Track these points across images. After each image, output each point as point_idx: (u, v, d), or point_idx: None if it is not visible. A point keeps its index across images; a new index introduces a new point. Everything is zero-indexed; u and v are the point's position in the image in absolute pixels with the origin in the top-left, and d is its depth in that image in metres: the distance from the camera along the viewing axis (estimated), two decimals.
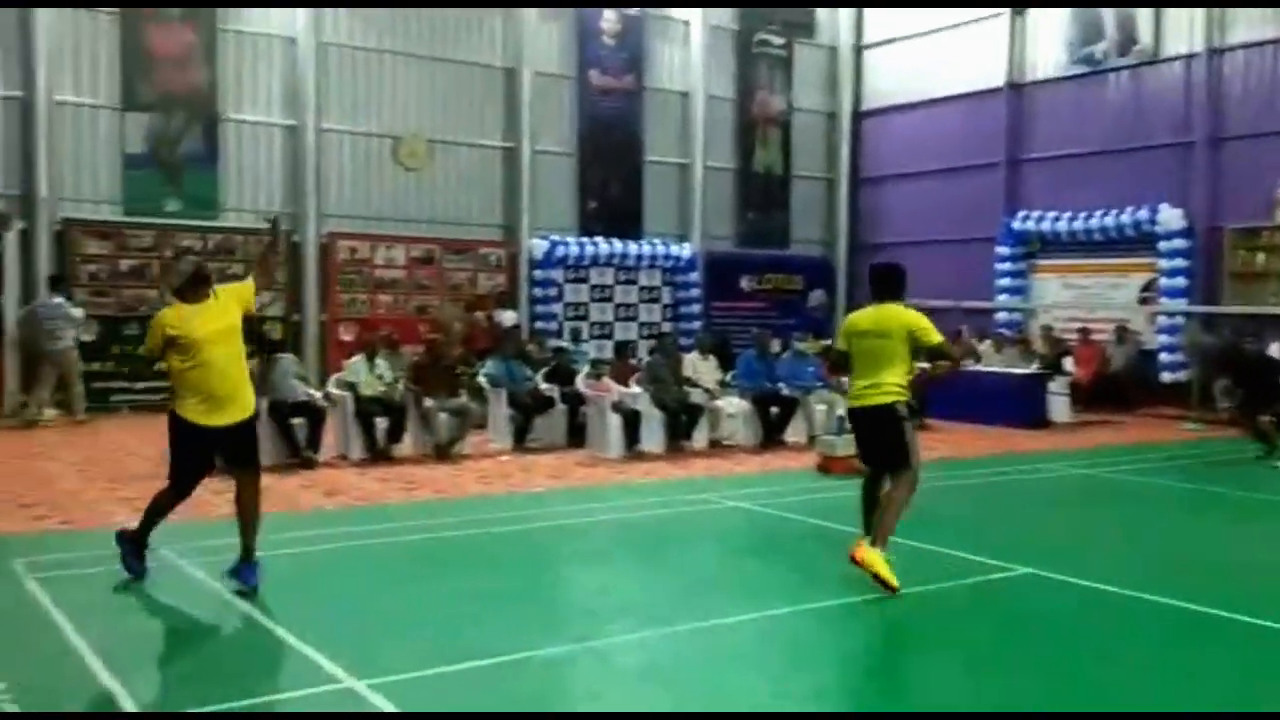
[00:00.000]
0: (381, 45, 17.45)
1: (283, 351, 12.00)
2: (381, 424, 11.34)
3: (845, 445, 10.85)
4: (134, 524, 6.42)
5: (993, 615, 6.08)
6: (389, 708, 4.41)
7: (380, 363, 11.79)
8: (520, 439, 12.24)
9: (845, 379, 7.22)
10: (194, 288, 6.17)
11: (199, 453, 6.22)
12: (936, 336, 6.54)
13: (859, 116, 22.04)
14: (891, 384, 6.45)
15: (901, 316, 6.54)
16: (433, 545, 7.63)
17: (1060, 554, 7.25)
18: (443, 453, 11.42)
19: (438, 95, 18.00)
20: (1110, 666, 5.10)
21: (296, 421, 10.86)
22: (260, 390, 10.82)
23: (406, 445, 11.50)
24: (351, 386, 11.47)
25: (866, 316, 6.73)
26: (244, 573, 6.12)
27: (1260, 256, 15.95)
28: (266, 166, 16.76)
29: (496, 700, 4.58)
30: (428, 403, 11.56)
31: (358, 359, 11.85)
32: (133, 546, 6.34)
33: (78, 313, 14.23)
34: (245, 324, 6.23)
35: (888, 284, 6.80)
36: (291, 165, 16.79)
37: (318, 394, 11.48)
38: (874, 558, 6.15)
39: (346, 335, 16.62)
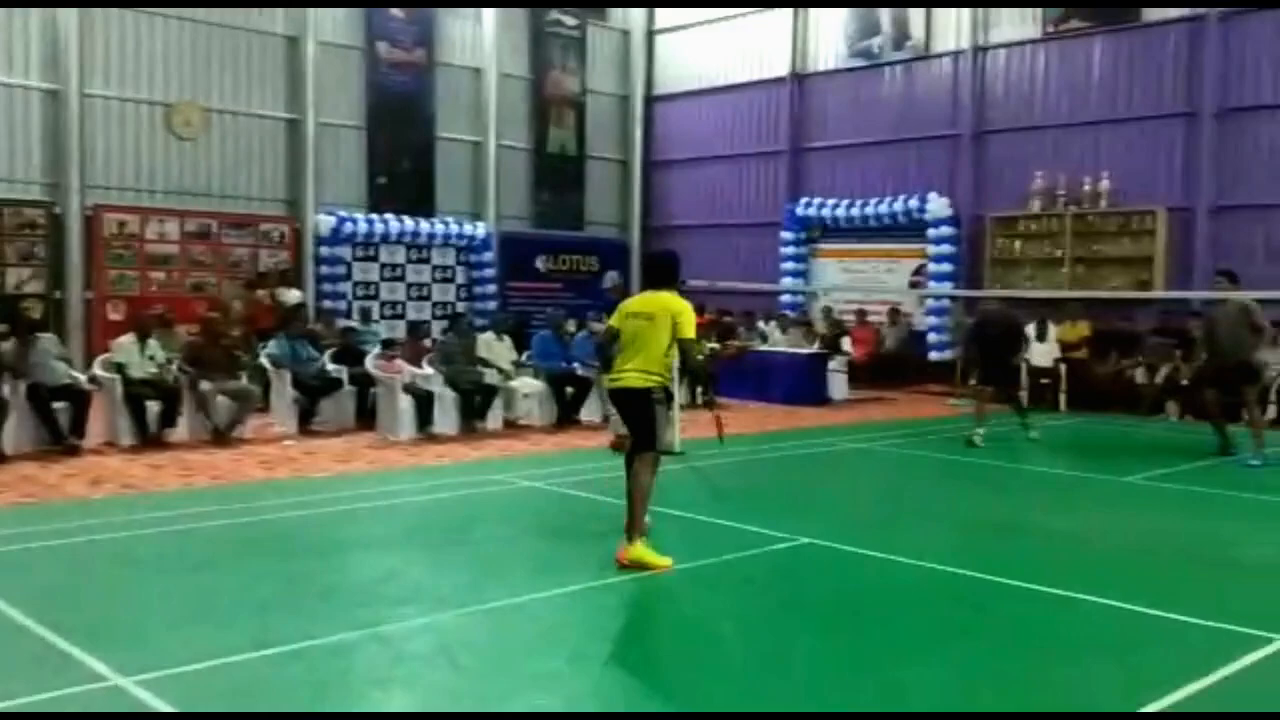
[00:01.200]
0: (152, 6, 16.42)
1: (42, 331, 11.22)
2: (154, 408, 10.75)
3: None
4: None
5: (774, 584, 6.31)
6: (158, 704, 4.21)
7: (152, 343, 11.18)
8: (305, 422, 11.86)
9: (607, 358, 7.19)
10: None
11: None
12: (690, 333, 6.63)
13: (651, 100, 22.34)
14: (651, 368, 6.58)
15: (669, 303, 6.64)
16: (210, 534, 7.30)
17: (839, 524, 7.63)
18: (221, 437, 10.93)
19: (215, 62, 17.10)
20: (887, 626, 5.41)
21: (58, 406, 10.19)
22: (17, 373, 10.16)
23: (182, 430, 10.96)
24: (120, 368, 10.82)
25: (639, 300, 6.89)
26: None
27: (1017, 244, 17.12)
28: (23, 133, 15.51)
29: (273, 692, 4.43)
30: (204, 385, 11.03)
31: (127, 339, 11.18)
32: None
33: None
34: None
35: (660, 271, 6.93)
36: (52, 132, 15.61)
37: (82, 376, 10.79)
38: (636, 553, 6.34)
39: (115, 314, 15.64)
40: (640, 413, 6.60)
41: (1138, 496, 9.24)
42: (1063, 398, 15.20)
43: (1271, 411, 13.54)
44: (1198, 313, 15.16)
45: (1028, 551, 7.07)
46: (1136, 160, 16.04)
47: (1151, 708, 4.25)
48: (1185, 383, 14.05)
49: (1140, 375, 14.68)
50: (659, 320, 6.58)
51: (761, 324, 18.24)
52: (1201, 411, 11.98)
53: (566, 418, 12.72)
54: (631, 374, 6.61)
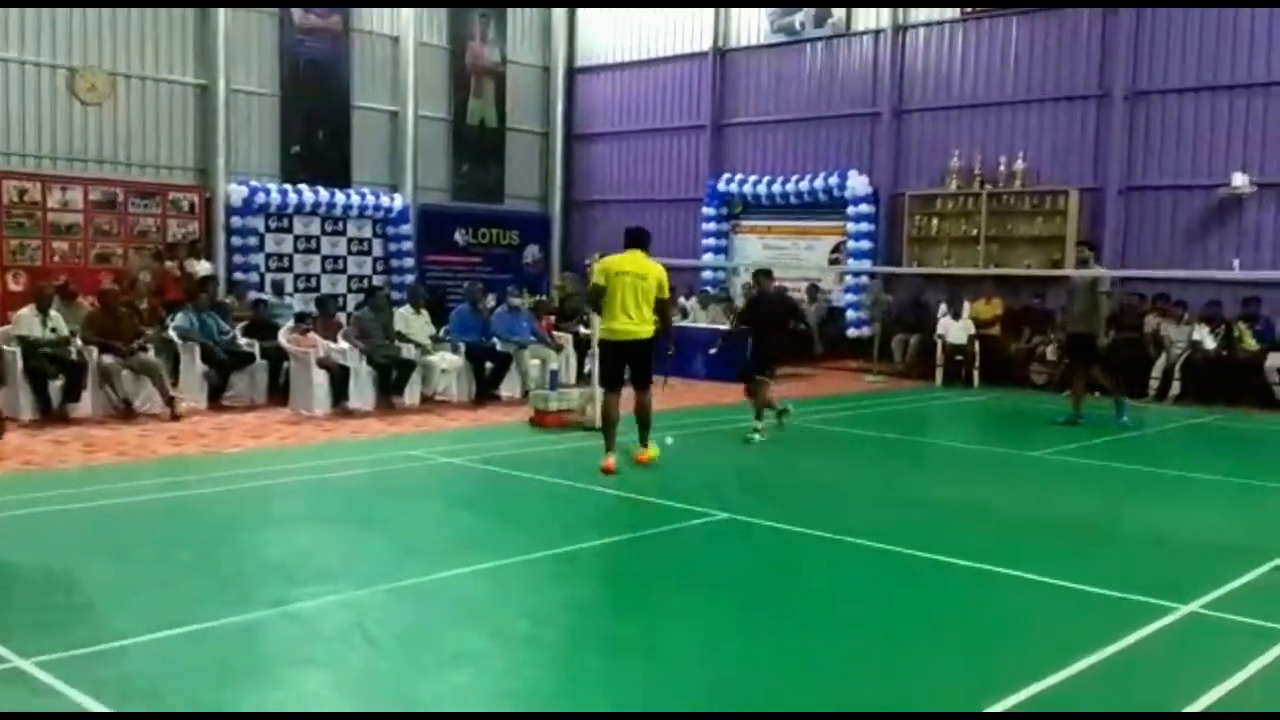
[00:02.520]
0: None
1: None
2: (56, 382, 10.39)
3: (558, 400, 11.00)
4: None
5: (689, 560, 6.32)
6: (60, 686, 4.06)
7: (55, 315, 10.80)
8: (216, 397, 11.57)
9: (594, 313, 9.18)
10: None
11: None
12: (668, 294, 8.45)
13: (573, 73, 22.14)
14: (650, 318, 8.22)
15: (655, 267, 8.32)
16: (115, 513, 7.07)
17: (755, 499, 7.67)
18: (127, 412, 10.61)
19: (121, 25, 16.49)
20: (798, 598, 5.45)
21: None
22: None
23: (86, 405, 10.60)
24: (21, 341, 10.42)
25: (627, 260, 8.28)
26: None
27: (935, 222, 17.35)
28: None
29: (181, 672, 4.30)
30: (108, 358, 10.68)
31: (28, 311, 10.79)
32: None
33: None
34: None
35: (643, 236, 8.71)
36: None
37: None
38: (653, 452, 8.64)
39: (15, 285, 15.06)
40: (647, 357, 8.39)
41: (1043, 470, 9.45)
42: (976, 374, 15.50)
43: (1175, 388, 13.98)
44: (1107, 292, 15.55)
45: (936, 524, 7.18)
46: (1050, 141, 16.35)
47: (1056, 677, 4.33)
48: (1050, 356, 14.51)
49: (1050, 352, 15.01)
50: (651, 280, 8.18)
51: (683, 300, 18.24)
52: (1066, 382, 12.07)
53: (485, 393, 12.59)
54: (641, 325, 8.19)
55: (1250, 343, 13.87)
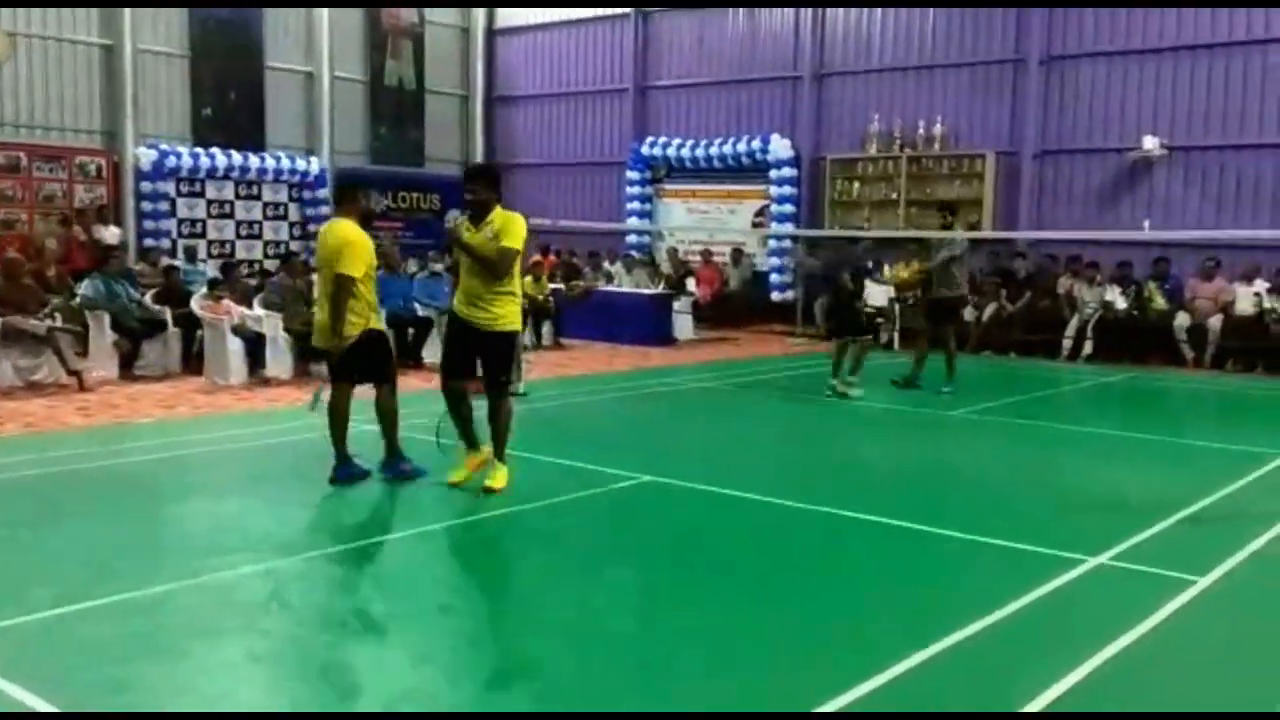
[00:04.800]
0: None
1: None
2: None
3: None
4: None
5: (613, 522, 6.33)
6: None
7: None
8: (127, 366, 11.26)
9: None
10: None
11: None
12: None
13: (493, 34, 21.81)
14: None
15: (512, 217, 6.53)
16: (22, 485, 6.86)
17: (681, 462, 7.68)
18: (32, 383, 10.27)
19: None
20: (720, 558, 5.49)
21: None
22: None
23: None
24: None
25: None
26: None
27: (856, 185, 17.49)
28: None
29: (93, 646, 4.18)
30: (12, 328, 10.32)
31: None
32: None
33: None
34: None
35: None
36: None
37: None
38: (499, 479, 6.65)
39: None
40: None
41: (960, 430, 9.62)
42: (895, 336, 15.70)
43: (1088, 348, 14.33)
44: (1022, 253, 15.85)
45: (855, 483, 7.29)
46: (968, 105, 16.55)
47: (974, 627, 4.42)
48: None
49: (968, 314, 15.23)
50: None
51: (607, 264, 18.20)
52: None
53: (406, 359, 12.41)
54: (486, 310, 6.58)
55: (1160, 302, 14.25)
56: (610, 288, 17.09)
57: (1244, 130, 14.45)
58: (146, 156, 16.73)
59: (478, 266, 6.37)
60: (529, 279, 14.51)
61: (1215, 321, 13.75)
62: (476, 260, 6.35)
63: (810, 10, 17.82)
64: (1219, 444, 8.94)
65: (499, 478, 6.60)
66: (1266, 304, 13.49)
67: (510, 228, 6.38)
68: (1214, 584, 5.12)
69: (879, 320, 15.81)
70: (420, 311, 12.70)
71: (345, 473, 6.80)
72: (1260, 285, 13.69)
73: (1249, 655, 4.35)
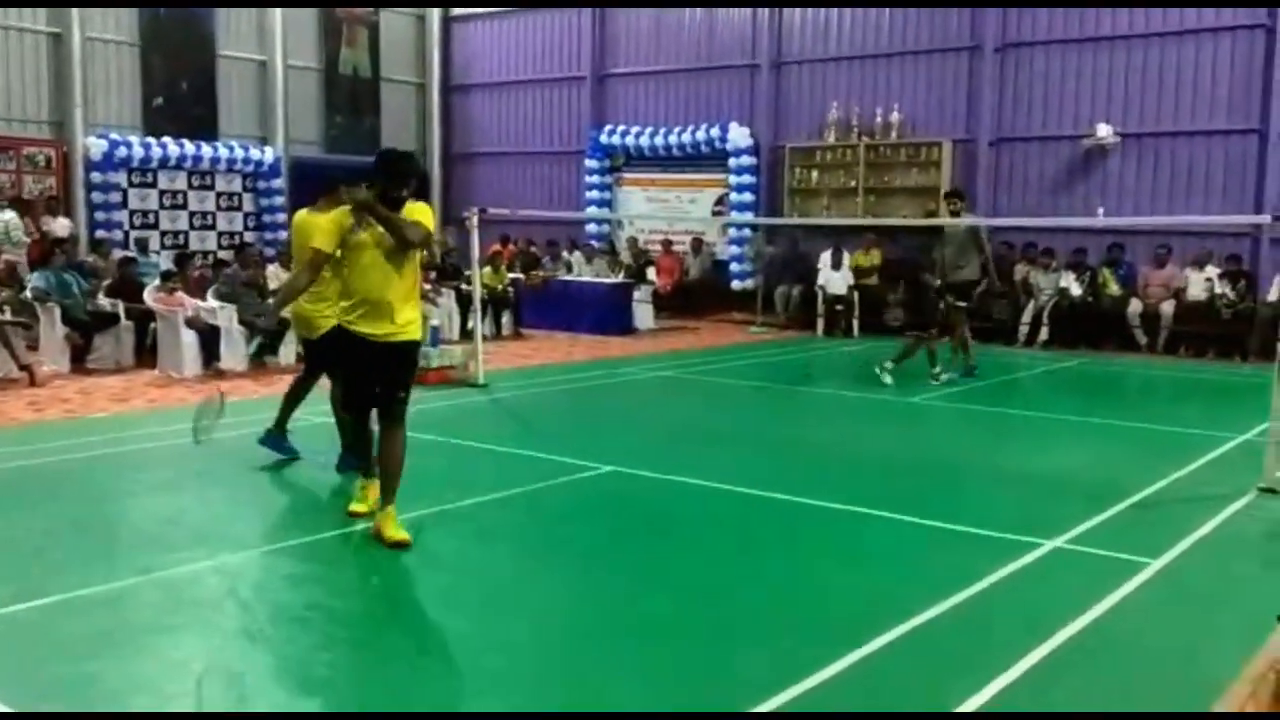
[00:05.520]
0: None
1: None
2: None
3: (439, 356, 10.86)
4: None
5: (575, 513, 6.31)
6: None
7: None
8: (79, 359, 11.08)
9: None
10: None
11: None
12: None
13: (449, 21, 21.64)
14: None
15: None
16: None
17: (642, 452, 7.68)
18: None
19: None
20: (687, 545, 5.50)
21: None
22: None
23: None
24: None
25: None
26: None
27: (815, 174, 17.54)
28: None
29: (45, 642, 4.12)
30: None
31: None
32: None
33: None
34: None
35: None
36: None
37: None
38: (395, 530, 5.42)
39: None
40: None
41: (919, 416, 9.70)
42: (855, 323, 15.79)
43: (1044, 334, 14.48)
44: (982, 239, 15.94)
45: (816, 470, 7.32)
46: (925, 93, 16.63)
47: (933, 611, 4.46)
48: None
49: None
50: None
51: (566, 253, 18.14)
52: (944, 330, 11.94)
53: None
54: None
55: (1114, 288, 14.43)
56: (570, 277, 17.04)
57: (1195, 117, 14.64)
58: (97, 147, 16.44)
59: (382, 261, 5.37)
60: (488, 269, 14.45)
61: (1168, 307, 13.95)
62: (399, 238, 5.31)
63: None
64: (1172, 428, 9.07)
65: (392, 526, 5.39)
66: (1217, 289, 13.70)
67: (422, 218, 5.47)
68: (1166, 565, 5.20)
69: (838, 308, 15.92)
70: None
71: (274, 442, 7.09)
72: (1211, 271, 13.90)
73: (1197, 636, 4.42)
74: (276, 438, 7.18)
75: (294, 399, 7.26)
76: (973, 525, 5.83)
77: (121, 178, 16.95)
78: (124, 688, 3.80)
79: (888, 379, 10.69)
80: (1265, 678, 3.85)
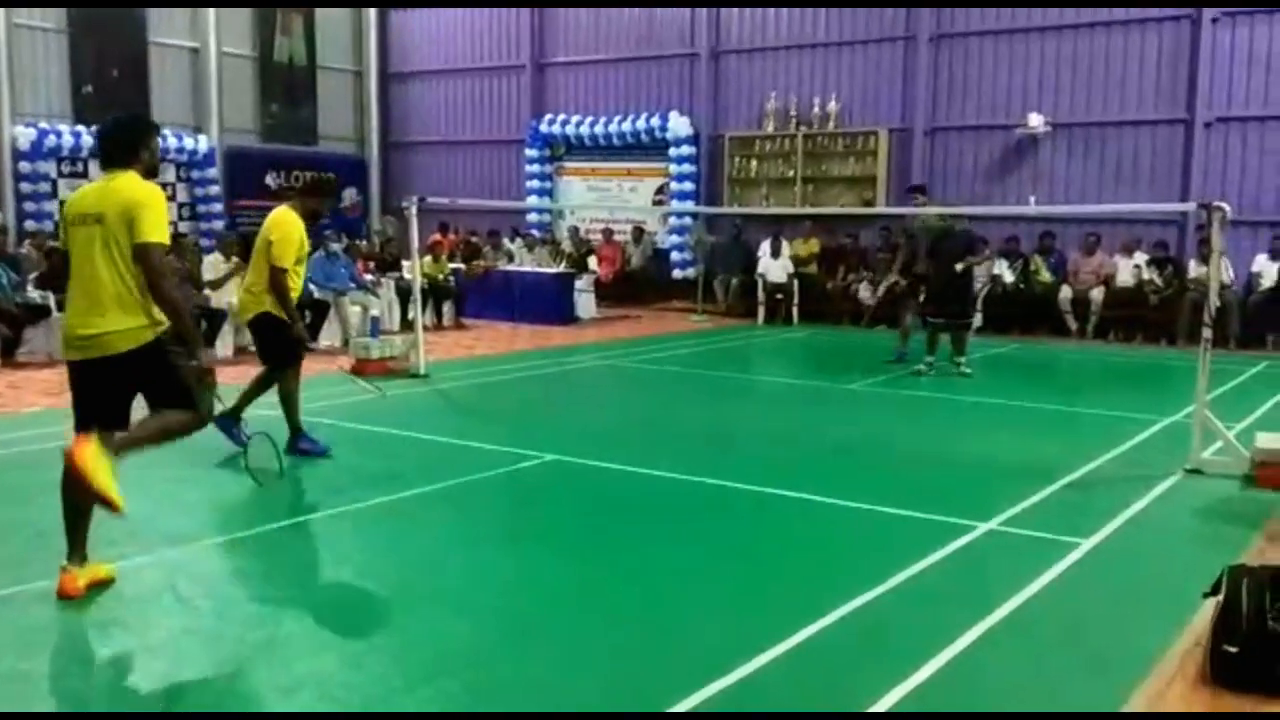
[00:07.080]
0: None
1: None
2: None
3: (379, 348, 10.79)
4: None
5: (516, 502, 6.34)
6: None
7: None
8: (9, 353, 10.84)
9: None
10: None
11: None
12: (154, 234, 4.47)
13: (386, 9, 21.40)
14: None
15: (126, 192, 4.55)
16: None
17: (584, 440, 7.71)
18: None
19: None
20: (629, 533, 5.54)
21: None
22: None
23: None
24: None
25: (89, 192, 4.73)
26: None
27: (754, 163, 17.66)
28: None
29: None
30: None
31: None
32: None
33: None
34: None
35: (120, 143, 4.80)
36: None
37: None
38: (105, 570, 4.73)
39: None
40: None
41: (856, 402, 9.84)
42: (795, 311, 15.94)
43: (977, 320, 14.72)
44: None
45: (754, 457, 7.41)
46: (861, 83, 16.81)
47: (872, 593, 4.55)
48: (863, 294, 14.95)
49: (864, 289, 15.57)
50: (110, 221, 4.49)
51: (507, 243, 18.08)
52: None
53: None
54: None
55: (1045, 275, 14.74)
56: (511, 267, 17.00)
57: (1123, 107, 14.98)
58: (24, 136, 16.06)
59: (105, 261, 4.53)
60: (428, 259, 14.36)
61: (1097, 293, 14.27)
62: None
63: None
64: (1101, 411, 9.31)
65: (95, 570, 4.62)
66: (1145, 275, 14.05)
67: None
68: (1096, 545, 5.35)
69: (778, 296, 16.06)
70: (316, 294, 12.45)
71: (224, 424, 7.06)
72: (1140, 257, 14.25)
73: (1127, 612, 4.56)
74: (228, 422, 7.12)
75: (258, 390, 7.38)
76: (909, 509, 5.94)
77: (51, 167, 16.57)
78: (73, 687, 3.76)
79: (967, 370, 10.96)
80: (1190, 652, 4.01)
